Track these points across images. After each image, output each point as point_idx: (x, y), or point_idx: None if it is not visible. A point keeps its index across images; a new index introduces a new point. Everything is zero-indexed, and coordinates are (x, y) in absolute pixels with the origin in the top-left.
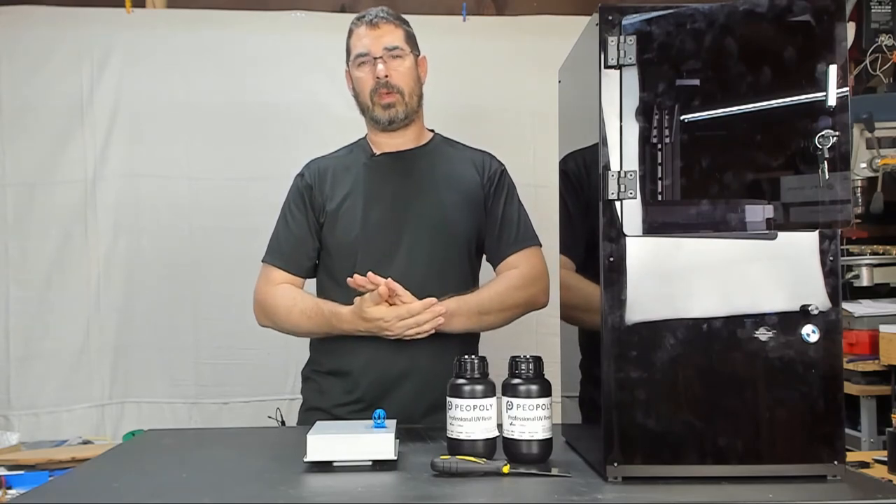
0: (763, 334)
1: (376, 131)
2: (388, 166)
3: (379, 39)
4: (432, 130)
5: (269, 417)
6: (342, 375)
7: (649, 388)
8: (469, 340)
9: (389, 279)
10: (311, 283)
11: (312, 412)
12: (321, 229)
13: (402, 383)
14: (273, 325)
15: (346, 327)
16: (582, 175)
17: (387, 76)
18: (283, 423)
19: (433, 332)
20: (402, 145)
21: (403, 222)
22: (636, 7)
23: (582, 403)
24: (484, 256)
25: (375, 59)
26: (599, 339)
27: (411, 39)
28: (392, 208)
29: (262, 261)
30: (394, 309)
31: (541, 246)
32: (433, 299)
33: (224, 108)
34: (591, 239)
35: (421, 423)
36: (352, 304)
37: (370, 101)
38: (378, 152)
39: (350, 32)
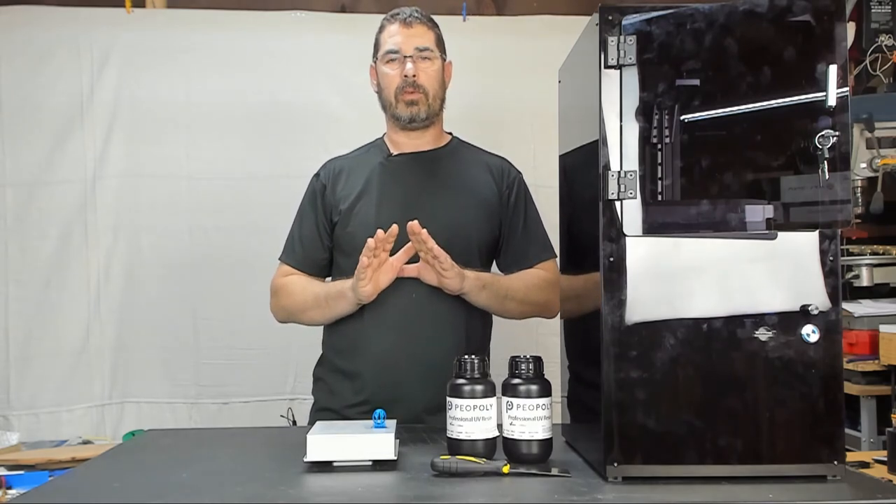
0: (763, 334)
1: (396, 129)
2: (403, 167)
3: (411, 39)
4: (450, 133)
5: (282, 416)
6: (352, 376)
7: (649, 388)
8: (481, 345)
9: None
10: None
11: (323, 413)
12: (334, 229)
13: (411, 384)
14: (285, 306)
15: (345, 287)
16: (575, 176)
17: (415, 76)
18: (294, 422)
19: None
20: (419, 146)
21: None
22: (636, 7)
23: (582, 403)
24: (495, 262)
25: (405, 57)
26: (598, 338)
27: (441, 43)
28: (405, 209)
29: (279, 259)
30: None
31: (556, 257)
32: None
33: (224, 107)
34: (585, 239)
35: (430, 423)
36: (363, 305)
37: (394, 99)
38: (395, 152)
39: (381, 28)
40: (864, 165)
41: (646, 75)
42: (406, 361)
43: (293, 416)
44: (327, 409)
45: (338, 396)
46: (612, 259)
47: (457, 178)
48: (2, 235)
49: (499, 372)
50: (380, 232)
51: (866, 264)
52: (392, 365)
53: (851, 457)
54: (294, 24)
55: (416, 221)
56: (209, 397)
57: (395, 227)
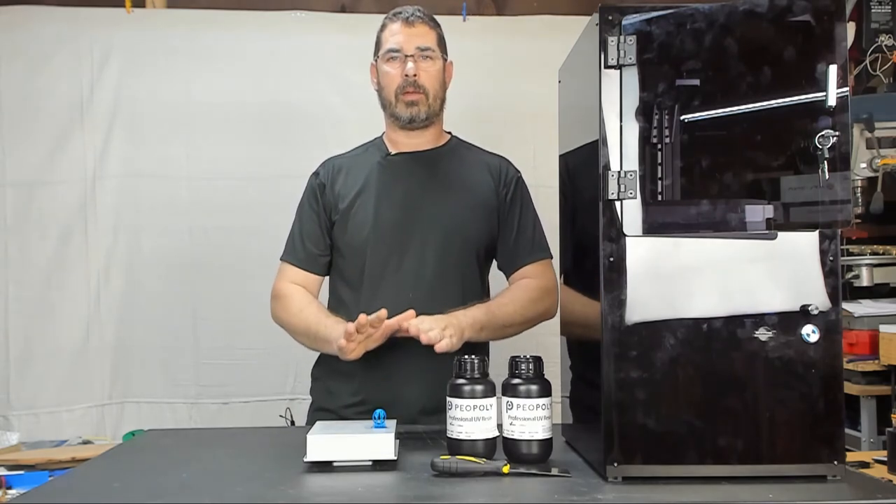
0: (763, 334)
1: (395, 129)
2: (402, 166)
3: (413, 38)
4: (449, 133)
5: (281, 416)
6: (348, 377)
7: (649, 388)
8: (476, 345)
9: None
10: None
11: (321, 412)
12: (333, 228)
13: (407, 385)
14: (282, 320)
15: (326, 348)
16: (575, 176)
17: (415, 75)
18: (292, 422)
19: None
20: (418, 146)
21: (415, 223)
22: (636, 7)
23: (582, 403)
24: (494, 262)
25: (407, 56)
26: (599, 341)
27: (442, 43)
28: (404, 209)
29: (280, 258)
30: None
31: (552, 258)
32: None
33: (224, 107)
34: (586, 239)
35: (426, 424)
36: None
37: (394, 98)
38: (394, 151)
39: (383, 26)
40: (864, 165)
41: (646, 75)
42: (403, 362)
43: (291, 415)
44: (325, 409)
45: (335, 396)
46: (612, 259)
47: (455, 178)
48: (2, 235)
49: (499, 372)
50: (362, 317)
51: (866, 264)
52: (389, 366)
53: (851, 457)
54: (294, 24)
55: (369, 318)
56: (209, 397)
57: (383, 312)
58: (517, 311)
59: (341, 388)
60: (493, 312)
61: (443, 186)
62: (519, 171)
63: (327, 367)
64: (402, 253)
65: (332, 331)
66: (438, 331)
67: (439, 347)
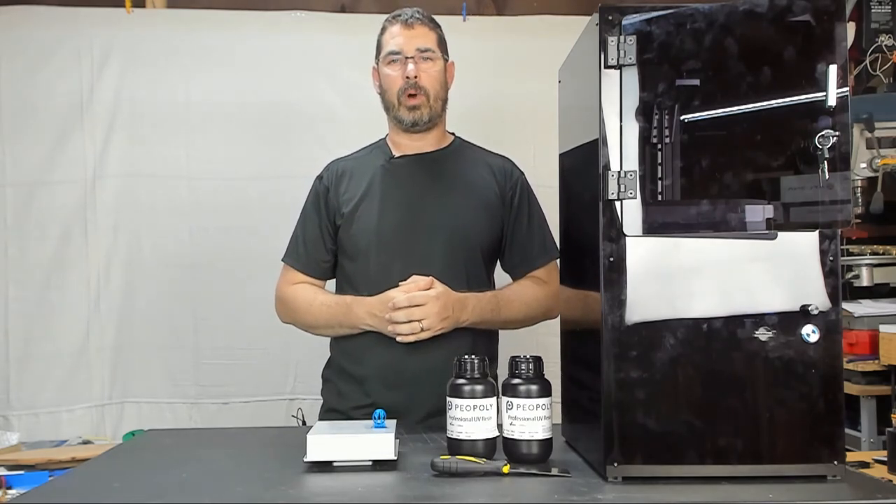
0: (763, 334)
1: (398, 131)
2: (406, 169)
3: (412, 40)
4: (453, 133)
5: (293, 417)
6: (358, 379)
7: (649, 388)
8: (487, 347)
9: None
10: (331, 286)
11: (331, 413)
12: (338, 231)
13: (416, 387)
14: (294, 321)
15: (361, 312)
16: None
17: (416, 77)
18: (303, 422)
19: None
20: (422, 147)
21: (419, 226)
22: (636, 7)
23: (580, 403)
24: (499, 263)
25: (407, 58)
26: (598, 340)
27: (442, 44)
28: (408, 211)
29: (282, 260)
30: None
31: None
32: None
33: (224, 108)
34: (585, 239)
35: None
36: None
37: (396, 101)
38: (397, 154)
39: (383, 29)
40: (864, 165)
41: (646, 75)
42: (414, 366)
43: (303, 416)
44: (335, 410)
45: (345, 398)
46: (612, 259)
47: (459, 180)
48: (2, 235)
49: (499, 371)
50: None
51: (866, 264)
52: (400, 370)
53: (851, 457)
54: (294, 24)
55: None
56: (209, 397)
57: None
58: (520, 311)
59: (352, 390)
60: (499, 309)
61: (447, 188)
62: (522, 172)
63: (337, 370)
64: (407, 256)
65: (349, 318)
66: (429, 321)
67: (401, 339)
